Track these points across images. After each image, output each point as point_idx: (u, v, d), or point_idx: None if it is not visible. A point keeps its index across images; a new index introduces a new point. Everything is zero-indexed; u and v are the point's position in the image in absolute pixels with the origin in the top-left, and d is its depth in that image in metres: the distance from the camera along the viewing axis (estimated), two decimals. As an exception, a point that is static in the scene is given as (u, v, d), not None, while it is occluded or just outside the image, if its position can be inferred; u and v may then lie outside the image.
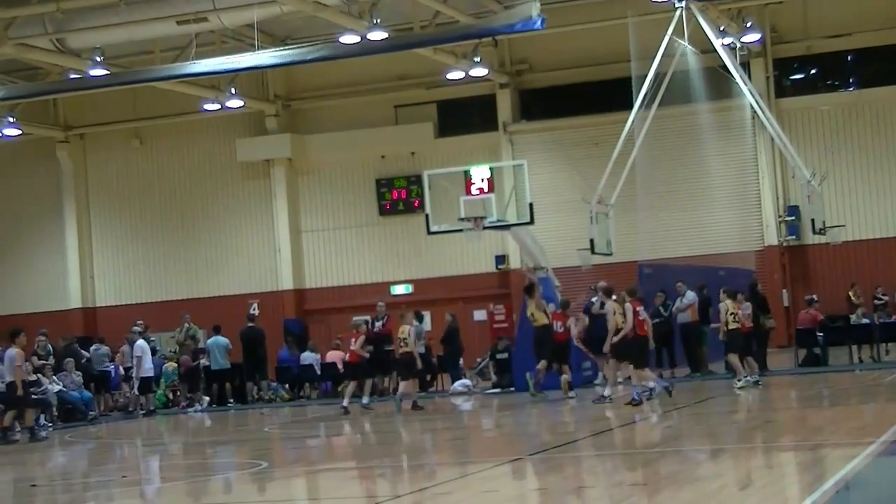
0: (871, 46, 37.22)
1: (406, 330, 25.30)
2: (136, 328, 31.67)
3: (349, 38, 30.75)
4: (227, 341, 31.60)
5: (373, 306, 31.03)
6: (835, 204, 35.90)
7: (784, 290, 37.23)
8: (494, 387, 29.43)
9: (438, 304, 35.91)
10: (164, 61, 33.44)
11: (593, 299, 27.69)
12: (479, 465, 16.07)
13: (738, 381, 24.61)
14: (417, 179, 37.45)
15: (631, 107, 30.45)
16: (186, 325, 31.53)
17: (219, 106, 37.93)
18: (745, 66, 34.80)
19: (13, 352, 23.88)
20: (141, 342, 30.25)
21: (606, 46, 35.75)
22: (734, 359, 24.79)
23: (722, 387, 25.96)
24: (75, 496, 16.24)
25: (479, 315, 37.48)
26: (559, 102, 39.16)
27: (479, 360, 32.47)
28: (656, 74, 30.33)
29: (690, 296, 28.46)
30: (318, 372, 32.14)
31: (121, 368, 31.15)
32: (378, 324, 29.99)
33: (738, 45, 33.85)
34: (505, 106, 39.65)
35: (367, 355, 25.76)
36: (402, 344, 25.32)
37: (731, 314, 24.52)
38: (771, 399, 24.18)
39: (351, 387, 26.19)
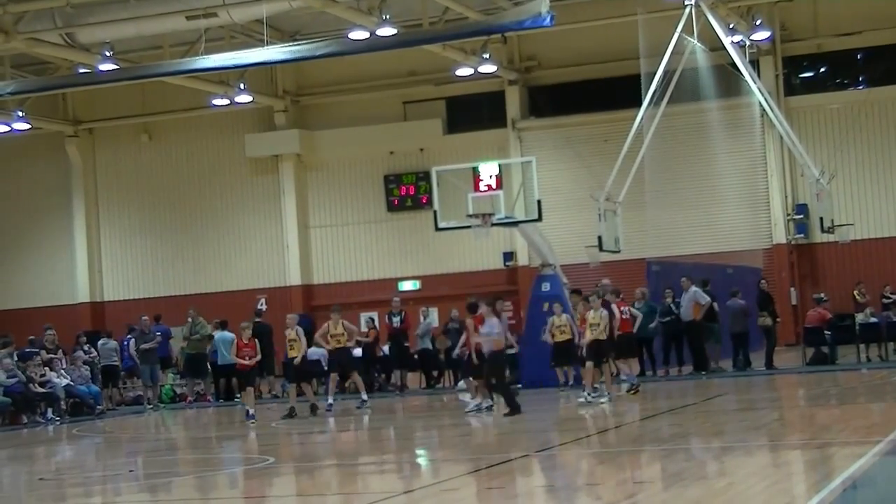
0: (881, 45, 37.14)
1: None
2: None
3: (358, 34, 30.73)
4: (234, 336, 31.55)
5: (380, 302, 31.03)
6: (843, 202, 35.83)
7: (792, 289, 37.19)
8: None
9: (446, 301, 35.82)
10: (174, 56, 33.46)
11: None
12: (485, 461, 16.06)
13: (588, 394, 22.74)
14: (426, 176, 37.45)
15: (640, 104, 30.39)
16: (191, 319, 31.49)
17: (227, 101, 37.92)
18: (755, 63, 34.76)
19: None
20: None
21: (616, 43, 35.70)
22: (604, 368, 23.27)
23: (728, 384, 25.96)
24: (82, 490, 16.26)
25: (487, 312, 37.40)
26: (568, 99, 39.12)
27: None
28: (665, 72, 30.28)
29: (692, 293, 28.41)
30: (325, 367, 32.10)
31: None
32: (395, 319, 29.93)
33: (748, 42, 33.79)
34: (514, 102, 39.62)
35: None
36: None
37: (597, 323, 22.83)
38: (778, 397, 24.17)
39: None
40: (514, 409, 21.44)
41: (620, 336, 24.25)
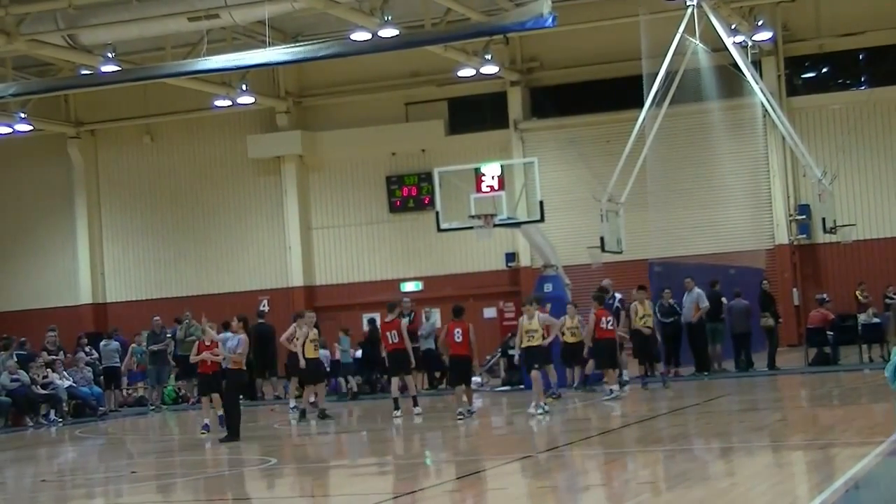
0: (883, 45, 37.11)
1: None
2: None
3: (360, 35, 30.74)
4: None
5: (382, 303, 30.92)
6: (846, 203, 35.83)
7: (794, 289, 37.18)
8: (504, 384, 29.41)
9: (448, 302, 35.76)
10: (176, 58, 33.46)
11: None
12: (489, 462, 16.07)
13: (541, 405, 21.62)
14: (428, 177, 37.46)
15: (642, 105, 30.41)
16: (186, 321, 31.44)
17: (230, 102, 37.94)
18: (757, 64, 34.75)
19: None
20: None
21: (618, 44, 35.68)
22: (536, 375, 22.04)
23: (731, 385, 25.94)
24: (85, 492, 16.27)
25: (489, 312, 37.46)
26: (570, 100, 39.09)
27: (488, 357, 32.44)
28: (667, 72, 30.29)
29: (695, 294, 28.39)
30: (328, 369, 32.10)
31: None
32: (405, 320, 29.87)
33: (750, 43, 33.80)
34: (516, 103, 39.63)
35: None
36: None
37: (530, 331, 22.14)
38: (781, 398, 24.17)
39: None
40: (234, 435, 20.65)
41: (598, 342, 24.37)
